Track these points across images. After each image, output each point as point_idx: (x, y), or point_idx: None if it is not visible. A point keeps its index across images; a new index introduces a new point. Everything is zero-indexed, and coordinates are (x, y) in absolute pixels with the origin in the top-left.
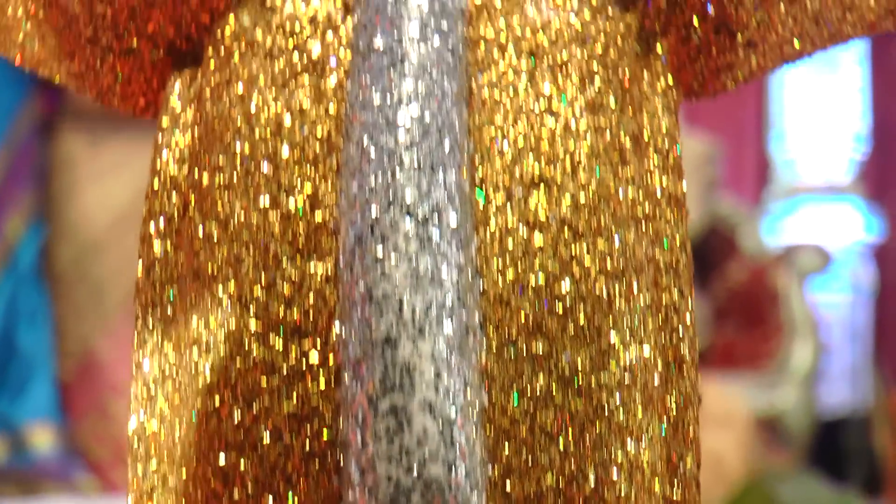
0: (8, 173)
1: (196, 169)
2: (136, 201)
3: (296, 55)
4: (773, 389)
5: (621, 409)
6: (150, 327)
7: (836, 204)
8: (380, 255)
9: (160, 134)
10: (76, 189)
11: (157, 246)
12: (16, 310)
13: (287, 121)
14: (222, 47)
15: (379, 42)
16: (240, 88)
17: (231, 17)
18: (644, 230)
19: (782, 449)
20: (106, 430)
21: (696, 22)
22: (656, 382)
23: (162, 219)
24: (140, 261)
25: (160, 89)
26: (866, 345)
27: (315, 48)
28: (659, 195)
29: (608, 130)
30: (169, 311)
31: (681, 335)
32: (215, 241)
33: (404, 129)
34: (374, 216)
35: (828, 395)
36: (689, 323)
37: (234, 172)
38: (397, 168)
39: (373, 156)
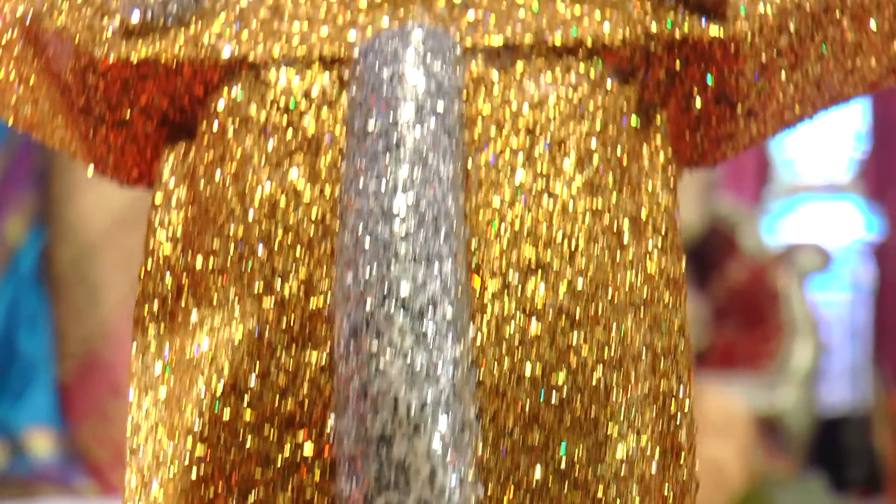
0: (7, 175)
1: (190, 251)
2: (135, 203)
3: (290, 132)
4: (774, 389)
5: (618, 500)
6: (145, 412)
7: (836, 202)
8: (374, 350)
9: (154, 212)
10: (75, 191)
11: (151, 330)
12: (17, 313)
13: (282, 202)
14: (216, 122)
15: (374, 124)
16: (233, 167)
17: (225, 90)
18: (642, 316)
19: (782, 452)
20: (106, 431)
21: (695, 92)
22: (653, 471)
23: (156, 301)
24: (134, 343)
25: (154, 160)
26: (866, 344)
27: (310, 125)
28: (657, 278)
29: (606, 213)
30: (163, 397)
31: (678, 422)
32: (209, 327)
33: (399, 218)
34: (368, 309)
35: (828, 395)
36: (686, 409)
37: (228, 257)
38: (392, 260)
39: (367, 246)
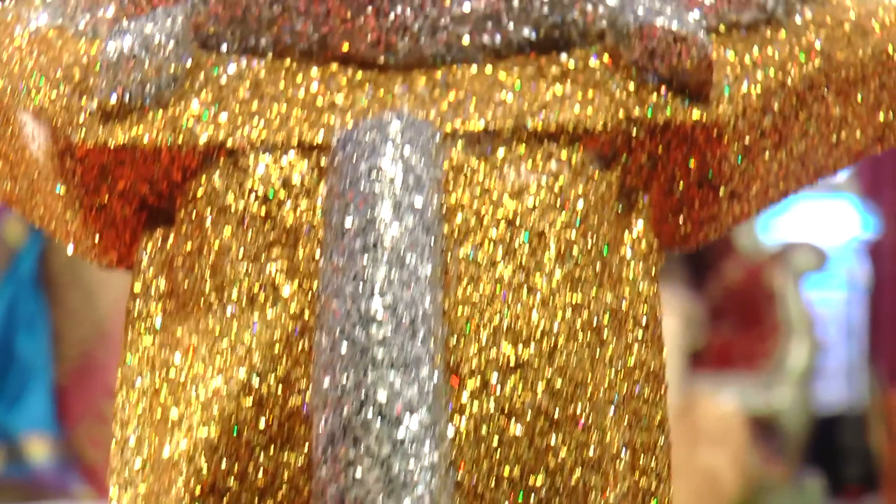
0: None
1: (168, 348)
2: None
3: (268, 224)
4: (770, 389)
5: None
6: None
7: (832, 201)
8: (351, 457)
9: (132, 302)
10: None
11: (131, 424)
12: (15, 316)
13: (260, 297)
14: (194, 211)
15: (351, 221)
16: (211, 259)
17: (203, 177)
18: (622, 412)
19: (779, 455)
20: (102, 433)
21: (678, 177)
22: None
23: (135, 395)
24: (114, 439)
25: (132, 244)
26: (862, 342)
27: (288, 216)
28: (637, 373)
29: (586, 308)
30: (143, 492)
31: None
32: (188, 426)
33: (377, 322)
34: (345, 416)
35: (824, 393)
36: None
37: (207, 354)
38: (369, 366)
39: (344, 351)
